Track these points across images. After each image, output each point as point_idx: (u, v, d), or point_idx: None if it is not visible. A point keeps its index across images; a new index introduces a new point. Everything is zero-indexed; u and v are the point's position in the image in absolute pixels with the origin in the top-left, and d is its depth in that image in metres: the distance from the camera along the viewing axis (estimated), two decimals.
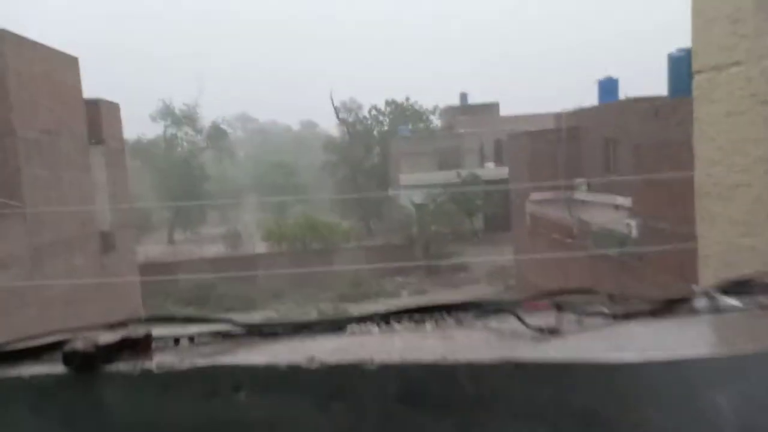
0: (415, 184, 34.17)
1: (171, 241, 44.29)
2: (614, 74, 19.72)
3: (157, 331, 1.09)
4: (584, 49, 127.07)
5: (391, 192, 40.11)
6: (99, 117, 17.68)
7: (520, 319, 1.02)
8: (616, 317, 1.06)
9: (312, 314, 21.19)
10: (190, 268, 28.65)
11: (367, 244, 31.89)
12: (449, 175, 33.84)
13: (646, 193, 13.52)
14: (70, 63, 16.06)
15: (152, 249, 37.12)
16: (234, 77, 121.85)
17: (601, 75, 19.99)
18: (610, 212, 17.21)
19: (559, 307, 1.08)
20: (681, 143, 11.86)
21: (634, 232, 14.73)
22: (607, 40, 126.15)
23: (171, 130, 49.60)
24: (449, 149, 37.04)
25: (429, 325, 1.07)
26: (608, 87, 19.30)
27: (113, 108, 19.29)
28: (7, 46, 12.77)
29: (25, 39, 13.60)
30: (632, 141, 14.72)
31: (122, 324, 1.10)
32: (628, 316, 1.07)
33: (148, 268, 25.92)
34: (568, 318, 1.04)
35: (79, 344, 0.95)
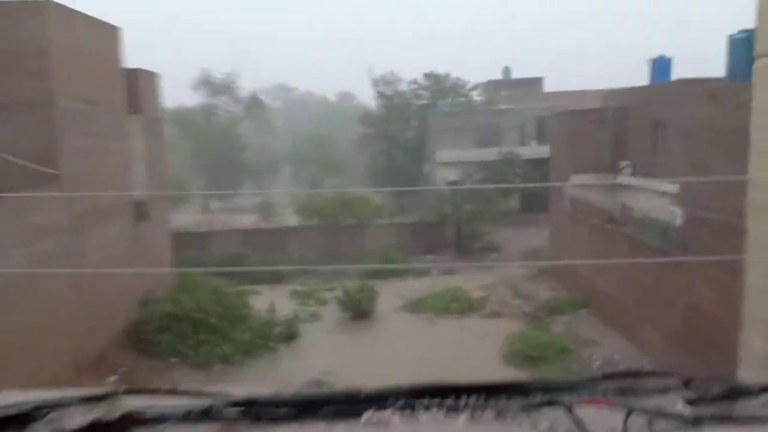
0: (451, 161, 33.67)
1: (206, 209, 44.96)
2: (667, 53, 18.78)
3: (140, 402, 0.90)
4: (636, 26, 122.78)
5: (426, 168, 39.71)
6: (138, 86, 17.77)
7: (577, 424, 0.83)
8: (695, 421, 0.85)
9: (337, 291, 21.14)
10: (222, 237, 28.99)
11: (399, 221, 31.71)
12: (488, 153, 33.21)
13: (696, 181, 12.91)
14: (112, 33, 16.09)
15: (187, 217, 37.72)
16: (273, 47, 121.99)
17: (654, 53, 19.09)
18: (655, 198, 16.57)
19: (625, 403, 0.87)
20: (738, 130, 11.20)
21: (680, 221, 14.14)
22: (662, 17, 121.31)
23: (210, 100, 50.07)
24: (489, 126, 36.27)
25: (463, 416, 0.87)
26: (661, 66, 18.39)
27: (153, 77, 19.38)
28: (51, 16, 12.81)
29: (68, 8, 13.61)
30: (684, 124, 14.03)
31: (97, 398, 0.91)
32: (709, 419, 0.86)
33: (182, 236, 26.29)
34: (637, 422, 0.84)
35: (41, 430, 0.79)
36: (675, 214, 14.25)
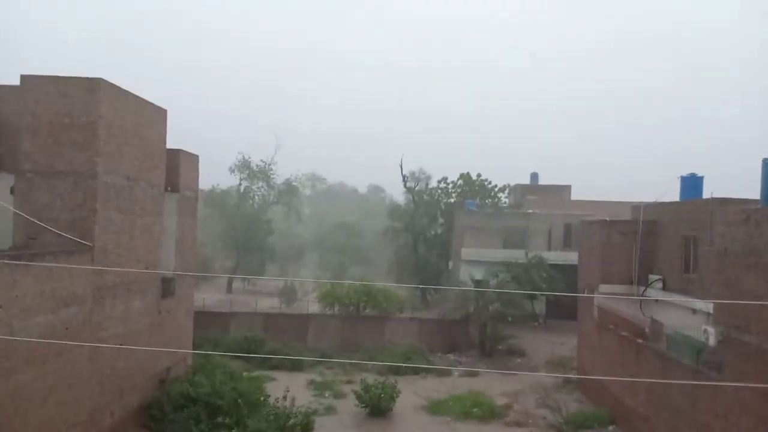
0: (477, 259, 33.47)
1: (229, 290, 44.97)
2: (699, 172, 18.86)
3: None
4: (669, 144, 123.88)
5: (451, 264, 39.44)
6: (178, 166, 18.40)
7: None
8: None
9: (356, 384, 20.46)
10: (243, 319, 28.75)
11: (421, 316, 31.14)
12: (513, 254, 33.03)
13: (730, 300, 12.48)
14: (159, 115, 16.87)
15: (210, 297, 37.70)
16: (309, 137, 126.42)
17: (685, 171, 19.17)
18: (686, 315, 16.04)
19: None
20: None
21: (713, 341, 13.55)
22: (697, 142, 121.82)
23: (246, 183, 51.60)
24: (515, 228, 36.33)
25: None
26: (691, 184, 18.41)
27: (192, 159, 20.07)
28: (103, 95, 13.54)
29: (119, 89, 14.39)
30: (716, 243, 13.79)
31: None
32: None
33: (204, 315, 26.16)
34: None
35: None
36: (709, 334, 13.68)
